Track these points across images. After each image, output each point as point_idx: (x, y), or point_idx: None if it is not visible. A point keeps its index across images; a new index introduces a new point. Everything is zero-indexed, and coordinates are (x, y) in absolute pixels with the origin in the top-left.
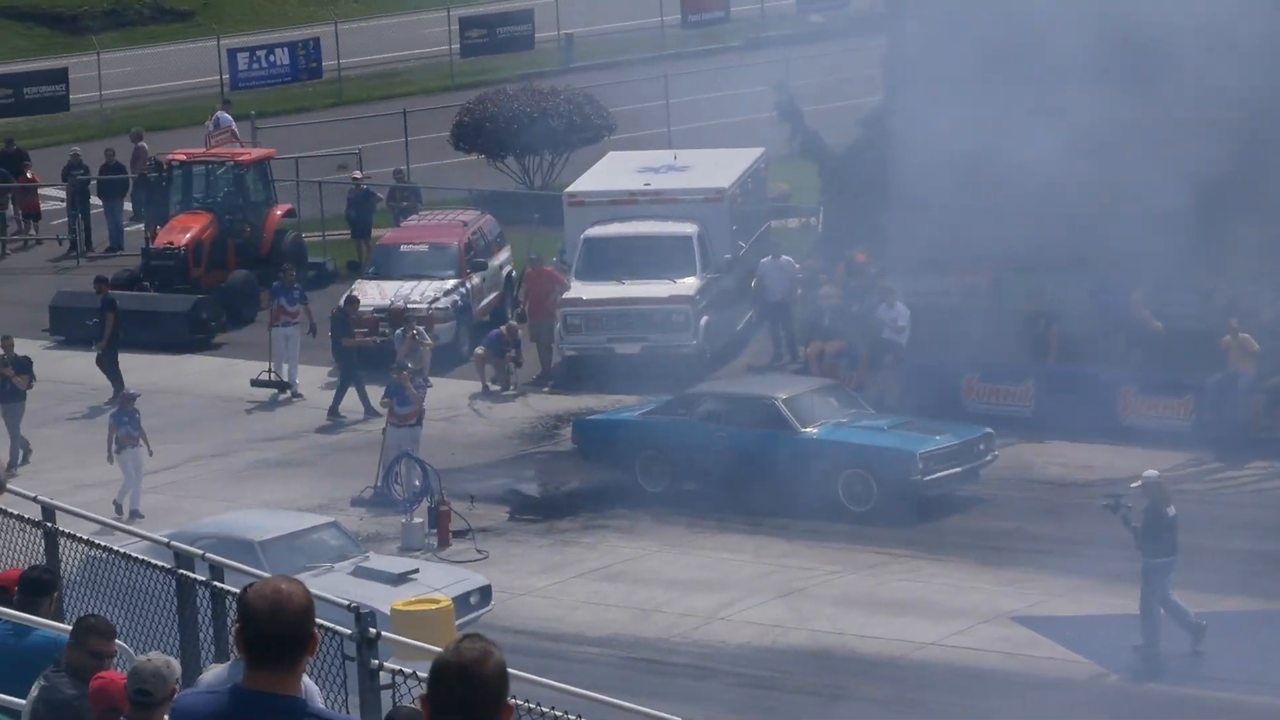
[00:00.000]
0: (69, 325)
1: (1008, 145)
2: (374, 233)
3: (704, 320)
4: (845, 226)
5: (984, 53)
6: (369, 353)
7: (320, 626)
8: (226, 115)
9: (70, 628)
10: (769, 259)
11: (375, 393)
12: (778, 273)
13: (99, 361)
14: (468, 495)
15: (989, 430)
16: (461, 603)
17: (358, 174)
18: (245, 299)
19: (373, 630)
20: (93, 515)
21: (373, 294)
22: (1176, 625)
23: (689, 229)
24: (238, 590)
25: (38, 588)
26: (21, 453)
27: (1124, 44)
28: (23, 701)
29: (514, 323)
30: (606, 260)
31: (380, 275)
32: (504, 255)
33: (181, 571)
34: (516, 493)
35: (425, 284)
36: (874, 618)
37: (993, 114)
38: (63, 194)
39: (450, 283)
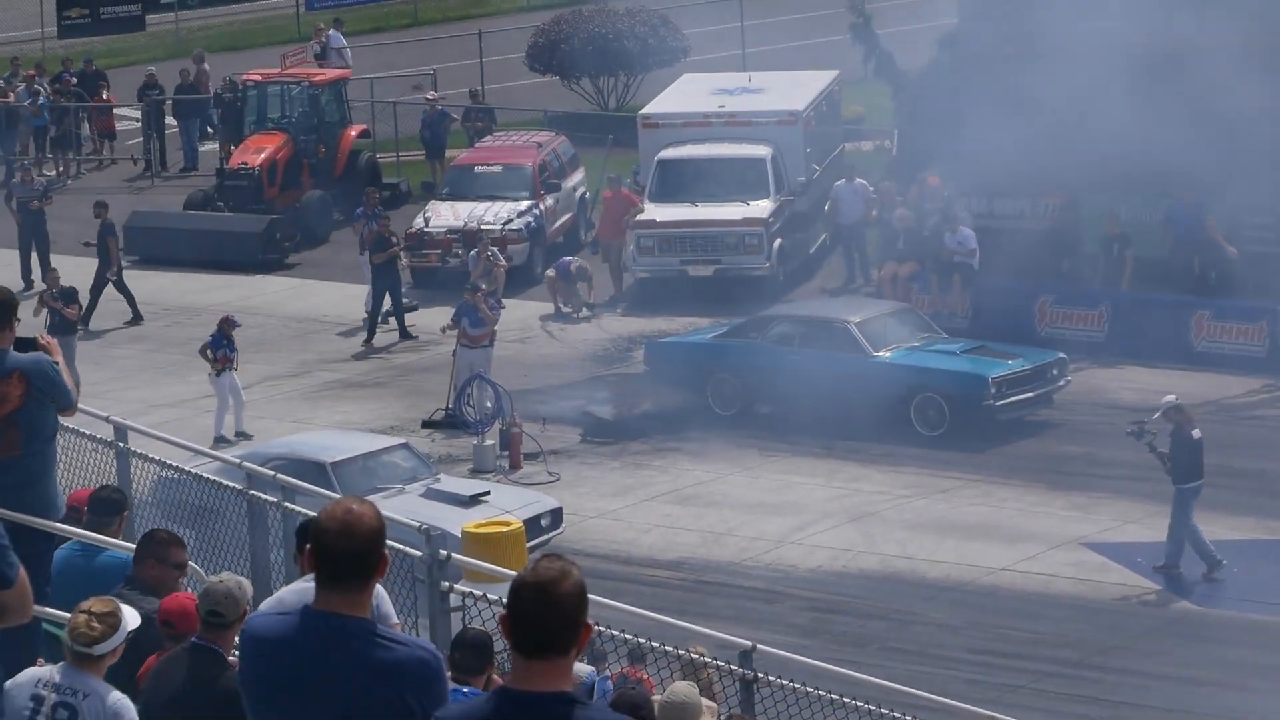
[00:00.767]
0: (144, 245)
1: (1082, 70)
2: (448, 153)
3: (777, 243)
4: (920, 149)
5: None
6: (441, 272)
7: (390, 548)
8: (339, 35)
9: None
10: (842, 182)
11: (444, 313)
12: (851, 196)
13: (116, 286)
14: (540, 417)
15: (1062, 355)
16: (532, 525)
17: (432, 94)
18: (319, 219)
19: (443, 552)
20: (164, 435)
21: (446, 215)
22: (1194, 551)
23: (763, 151)
24: (309, 512)
25: (108, 507)
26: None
27: None
28: None
29: (584, 263)
30: (680, 182)
31: (454, 196)
32: (578, 177)
33: (253, 493)
34: (588, 415)
35: (499, 205)
36: (945, 542)
37: (1068, 37)
38: (138, 114)
39: (524, 204)
